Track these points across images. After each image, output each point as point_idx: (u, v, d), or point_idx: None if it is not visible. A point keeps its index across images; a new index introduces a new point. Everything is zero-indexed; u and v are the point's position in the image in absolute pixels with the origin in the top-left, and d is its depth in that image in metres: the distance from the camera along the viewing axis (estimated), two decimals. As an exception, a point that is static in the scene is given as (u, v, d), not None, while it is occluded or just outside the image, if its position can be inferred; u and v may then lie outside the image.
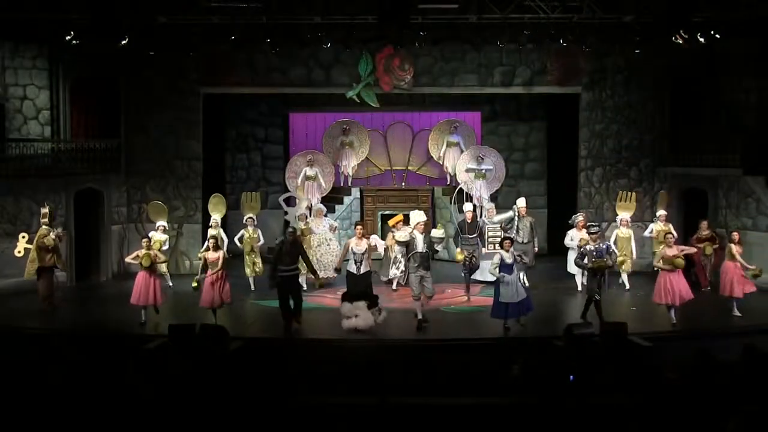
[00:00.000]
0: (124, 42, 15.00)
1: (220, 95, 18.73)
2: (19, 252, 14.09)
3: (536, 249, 15.73)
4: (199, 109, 17.74)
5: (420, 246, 12.71)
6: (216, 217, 16.05)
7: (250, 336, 12.20)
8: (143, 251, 13.10)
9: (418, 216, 13.03)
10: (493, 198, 18.68)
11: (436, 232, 13.01)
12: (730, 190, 16.24)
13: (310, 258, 14.21)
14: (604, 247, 12.95)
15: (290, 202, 18.06)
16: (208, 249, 13.13)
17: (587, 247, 12.98)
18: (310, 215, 16.58)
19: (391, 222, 14.38)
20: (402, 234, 13.09)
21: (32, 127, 16.71)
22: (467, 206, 15.88)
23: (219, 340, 9.90)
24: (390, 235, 14.29)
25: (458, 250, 15.02)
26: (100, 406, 6.79)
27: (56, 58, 16.72)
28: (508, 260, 12.40)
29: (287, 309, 12.62)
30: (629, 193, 16.55)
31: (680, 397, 6.94)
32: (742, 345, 7.78)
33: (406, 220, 13.60)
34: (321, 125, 20.31)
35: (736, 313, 13.29)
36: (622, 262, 15.32)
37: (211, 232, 15.33)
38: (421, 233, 12.78)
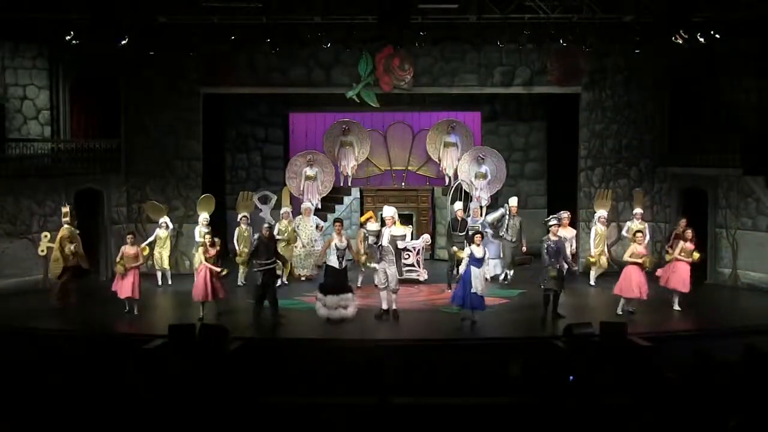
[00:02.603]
0: (124, 42, 15.01)
1: (220, 95, 18.70)
2: (42, 251, 14.37)
3: (524, 248, 16.04)
4: (199, 109, 17.73)
5: (385, 240, 13.14)
6: (206, 215, 16.06)
7: (250, 336, 12.20)
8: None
9: (387, 211, 13.64)
10: (494, 198, 18.71)
11: (371, 225, 13.80)
12: (730, 190, 16.23)
13: (293, 255, 15.83)
14: (562, 243, 13.27)
15: (264, 199, 17.79)
16: (204, 245, 13.52)
17: (549, 240, 13.18)
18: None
19: (362, 218, 14.97)
20: (374, 225, 13.69)
21: (32, 127, 16.71)
22: (457, 205, 15.99)
23: (219, 340, 9.91)
24: (360, 232, 14.44)
25: (455, 249, 14.83)
26: (100, 406, 6.79)
27: (56, 58, 16.73)
28: (478, 255, 12.70)
29: (259, 301, 13.18)
30: (606, 191, 16.77)
31: (680, 397, 6.94)
32: (742, 345, 7.78)
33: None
34: (321, 125, 20.32)
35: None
36: (594, 262, 15.90)
37: (203, 230, 15.36)
38: (390, 228, 13.30)
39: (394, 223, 13.78)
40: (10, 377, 7.61)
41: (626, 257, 13.37)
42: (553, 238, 13.13)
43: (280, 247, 15.12)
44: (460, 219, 15.57)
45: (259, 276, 13.15)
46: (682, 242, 13.69)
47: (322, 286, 13.18)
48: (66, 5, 14.74)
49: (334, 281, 13.07)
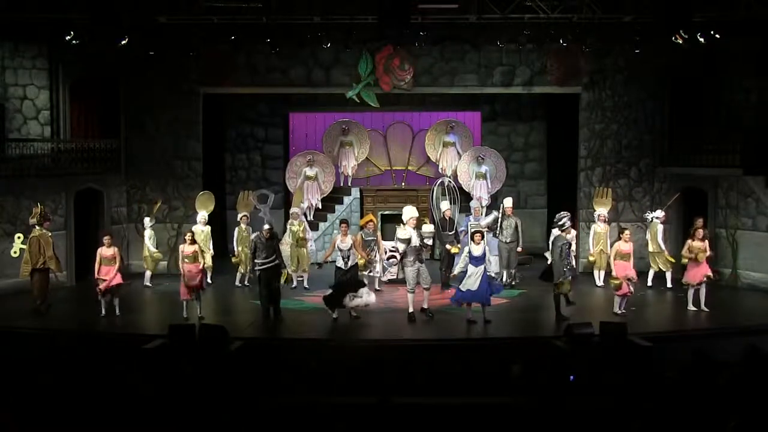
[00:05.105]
0: (124, 42, 15.02)
1: (220, 95, 18.71)
2: (15, 252, 14.07)
3: (520, 249, 15.95)
4: (199, 109, 17.73)
5: (414, 240, 13.14)
6: (204, 213, 16.03)
7: (250, 336, 12.20)
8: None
9: (410, 211, 13.52)
10: (493, 198, 18.72)
11: (426, 227, 13.56)
12: (730, 190, 16.22)
13: (290, 255, 15.35)
14: (570, 243, 13.37)
15: (263, 198, 17.68)
16: (185, 242, 13.43)
17: (562, 239, 13.24)
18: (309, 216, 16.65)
19: (361, 222, 14.87)
20: (403, 231, 13.42)
21: (32, 127, 16.69)
22: (444, 204, 15.99)
23: (219, 340, 9.92)
24: (359, 234, 14.40)
25: (447, 246, 15.43)
26: (100, 406, 6.79)
27: (56, 58, 16.70)
28: (476, 253, 12.74)
29: (265, 300, 13.27)
30: (606, 189, 16.77)
31: (680, 397, 6.94)
32: (742, 345, 7.78)
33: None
34: (321, 125, 20.33)
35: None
36: (594, 261, 15.89)
37: (197, 228, 15.33)
38: (414, 228, 13.24)
39: (419, 223, 13.64)
40: (11, 376, 7.62)
41: (613, 258, 13.55)
42: (565, 237, 13.18)
43: (293, 248, 15.35)
44: (448, 218, 15.66)
45: (260, 276, 13.18)
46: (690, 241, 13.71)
47: (337, 285, 13.18)
48: (66, 5, 14.73)
49: (347, 279, 13.16)
